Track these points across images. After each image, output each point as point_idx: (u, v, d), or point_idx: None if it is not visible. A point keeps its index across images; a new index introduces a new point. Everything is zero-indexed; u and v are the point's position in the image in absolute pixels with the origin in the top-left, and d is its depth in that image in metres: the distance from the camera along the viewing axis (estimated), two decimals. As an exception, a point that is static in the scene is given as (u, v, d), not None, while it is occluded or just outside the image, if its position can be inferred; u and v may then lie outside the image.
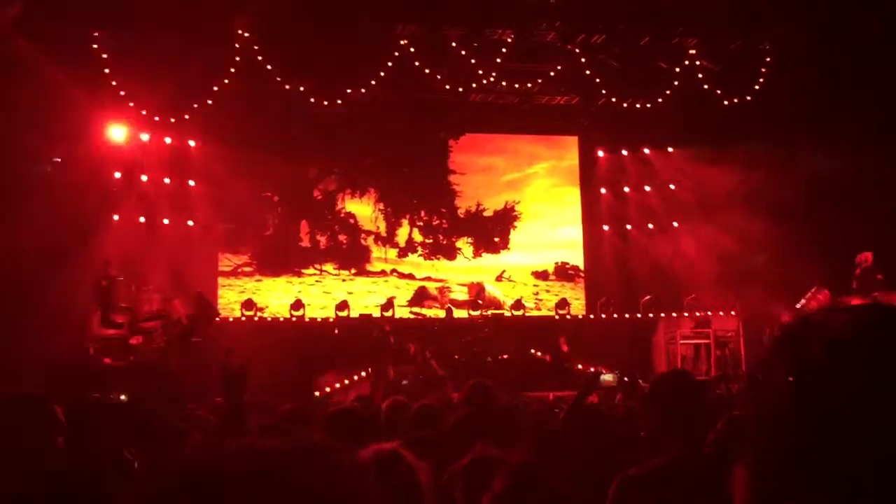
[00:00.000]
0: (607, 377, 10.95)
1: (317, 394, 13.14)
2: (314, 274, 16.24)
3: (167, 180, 14.72)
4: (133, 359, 11.47)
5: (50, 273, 11.89)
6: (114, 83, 12.90)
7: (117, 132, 13.79)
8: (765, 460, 1.13)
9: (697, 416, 2.89)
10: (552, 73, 14.56)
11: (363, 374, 13.78)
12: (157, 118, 13.82)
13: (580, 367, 14.04)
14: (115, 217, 13.94)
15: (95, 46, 12.67)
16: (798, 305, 13.10)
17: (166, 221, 14.69)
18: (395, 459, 2.36)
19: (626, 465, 3.74)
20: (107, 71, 12.78)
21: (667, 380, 3.13)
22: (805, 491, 1.06)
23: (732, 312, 15.07)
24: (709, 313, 15.13)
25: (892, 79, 12.29)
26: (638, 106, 14.98)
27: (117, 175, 13.95)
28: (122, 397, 9.29)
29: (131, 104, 13.29)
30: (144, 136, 14.19)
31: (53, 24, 11.42)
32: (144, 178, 14.35)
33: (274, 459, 0.89)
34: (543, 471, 2.22)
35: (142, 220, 14.38)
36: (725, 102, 14.50)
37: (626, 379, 11.14)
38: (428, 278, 16.65)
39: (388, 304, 15.11)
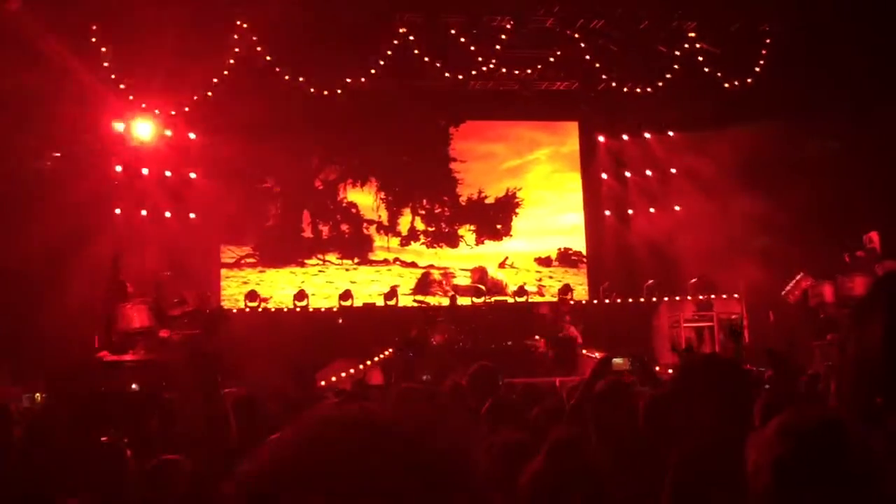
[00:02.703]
0: (618, 361, 10.95)
1: (322, 383, 13.17)
2: (317, 264, 16.25)
3: (168, 173, 14.70)
4: (151, 354, 11.47)
5: (53, 268, 11.91)
6: (113, 76, 12.89)
7: (117, 126, 13.77)
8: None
9: (741, 406, 2.87)
10: (552, 59, 14.53)
11: (368, 362, 13.81)
12: (157, 111, 13.80)
13: (584, 352, 14.05)
14: (117, 211, 13.95)
15: (94, 40, 12.64)
16: (783, 293, 13.13)
17: (168, 214, 14.70)
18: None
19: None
20: (106, 64, 12.76)
21: (703, 367, 3.10)
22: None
23: (735, 295, 15.10)
24: (712, 296, 15.15)
25: (893, 59, 12.28)
26: (638, 90, 14.94)
27: (118, 168, 13.94)
28: (134, 386, 9.32)
29: (131, 97, 13.28)
30: (145, 129, 14.16)
31: (52, 17, 11.38)
32: (145, 171, 14.35)
33: (397, 419, 0.93)
34: (582, 446, 2.24)
35: (143, 213, 14.39)
36: (726, 85, 14.48)
37: (639, 363, 11.15)
38: (431, 266, 16.66)
39: (392, 293, 15.14)
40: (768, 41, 14.33)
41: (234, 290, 15.60)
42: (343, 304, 14.81)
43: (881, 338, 1.18)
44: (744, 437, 2.69)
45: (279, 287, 15.80)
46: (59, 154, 13.35)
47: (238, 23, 13.02)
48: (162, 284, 12.89)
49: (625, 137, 16.97)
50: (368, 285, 16.15)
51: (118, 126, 13.77)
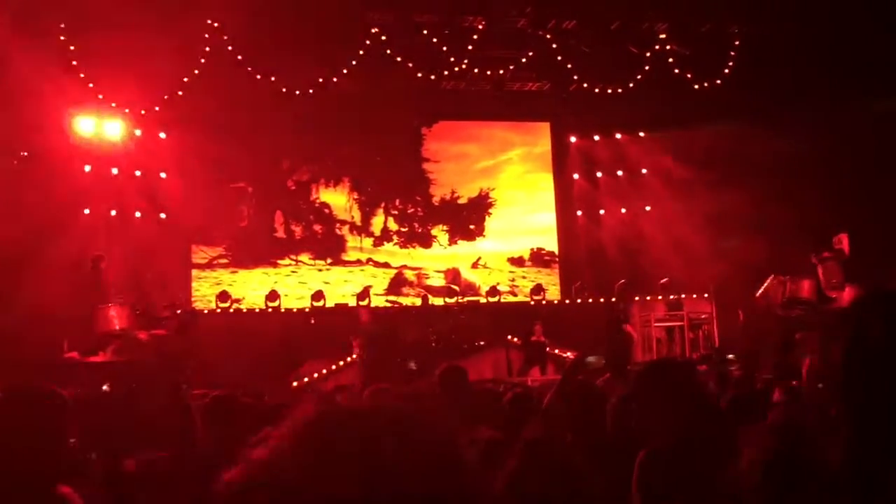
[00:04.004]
0: (592, 359, 11.05)
1: (295, 384, 13.14)
2: (290, 265, 16.18)
3: (138, 173, 14.57)
4: (121, 356, 11.38)
5: (20, 268, 11.76)
6: (82, 75, 12.74)
7: (86, 125, 13.61)
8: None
9: (690, 408, 2.92)
10: (524, 60, 14.60)
11: (341, 363, 13.78)
12: (126, 110, 13.67)
13: (556, 351, 14.14)
14: (86, 211, 13.80)
15: (63, 38, 12.49)
16: (757, 295, 13.28)
17: (138, 214, 14.56)
18: None
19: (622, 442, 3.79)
20: (75, 63, 12.62)
21: (654, 372, 3.14)
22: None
23: (705, 295, 15.24)
24: (682, 296, 15.28)
25: (861, 59, 12.46)
26: (609, 91, 15.03)
27: (87, 168, 13.79)
28: (105, 388, 9.23)
29: (100, 96, 13.14)
30: (114, 129, 14.02)
31: (20, 14, 11.24)
32: (115, 170, 14.20)
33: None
34: (555, 446, 2.26)
35: (113, 213, 14.24)
36: (696, 86, 14.62)
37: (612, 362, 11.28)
38: (404, 267, 16.65)
39: (364, 293, 15.10)
40: (737, 43, 14.49)
41: (206, 290, 15.49)
42: (315, 304, 14.74)
43: (841, 359, 1.25)
44: (704, 436, 2.74)
45: (252, 288, 15.71)
46: (26, 153, 13.17)
47: (209, 22, 12.93)
48: (146, 287, 12.84)
49: (596, 138, 17.07)
50: (341, 286, 16.11)
51: (87, 125, 13.62)
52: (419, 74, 14.26)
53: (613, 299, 14.49)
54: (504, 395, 6.10)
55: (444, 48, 13.95)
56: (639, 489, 2.79)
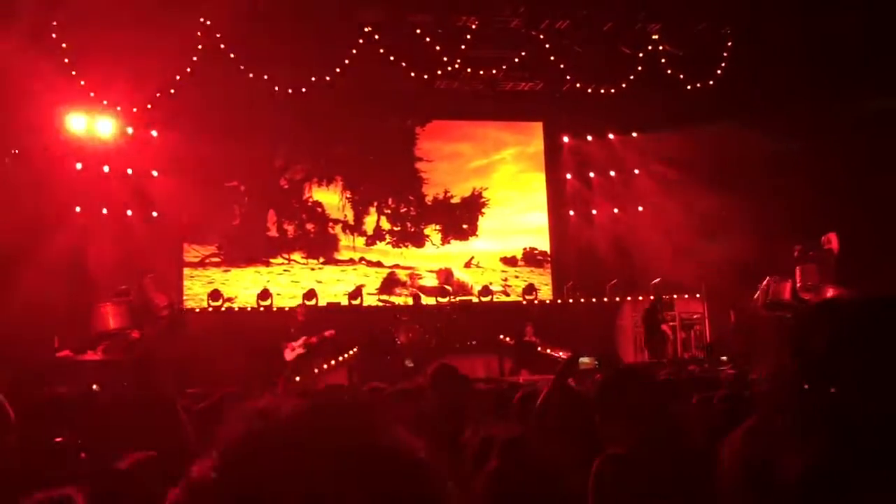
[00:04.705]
0: (585, 360, 11.05)
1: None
2: (282, 263, 16.16)
3: (129, 171, 14.51)
4: (111, 354, 11.36)
5: (11, 266, 11.71)
6: (74, 73, 12.70)
7: (78, 122, 13.57)
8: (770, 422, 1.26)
9: (645, 413, 2.96)
10: (517, 60, 14.62)
11: (333, 362, 13.76)
12: (118, 108, 13.63)
13: (548, 351, 14.14)
14: (77, 209, 13.75)
15: (55, 35, 12.45)
16: (755, 296, 13.32)
17: (129, 213, 14.51)
18: None
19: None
20: (66, 60, 12.57)
21: (614, 381, 3.18)
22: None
23: (697, 295, 15.28)
24: (674, 296, 15.31)
25: (852, 59, 12.51)
26: (602, 91, 15.08)
27: (78, 166, 13.74)
28: (94, 387, 9.19)
29: (92, 94, 13.10)
30: (106, 127, 13.97)
31: (11, 11, 11.20)
32: (106, 168, 14.15)
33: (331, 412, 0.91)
34: (533, 445, 2.26)
35: (104, 211, 14.20)
36: (689, 87, 14.66)
37: (606, 362, 11.29)
38: (396, 266, 16.64)
39: (357, 293, 15.09)
40: (730, 44, 14.53)
41: (198, 289, 15.45)
42: (307, 303, 14.70)
43: (781, 369, 1.30)
44: (662, 444, 2.75)
45: (244, 286, 15.68)
46: (17, 151, 13.13)
47: (202, 20, 12.90)
48: (146, 286, 12.81)
49: (589, 138, 17.09)
50: (334, 285, 16.09)
51: (78, 123, 13.58)
52: (412, 74, 14.26)
53: (652, 297, 14.57)
54: (508, 394, 6.09)
55: (438, 47, 13.96)
56: (594, 497, 2.78)
